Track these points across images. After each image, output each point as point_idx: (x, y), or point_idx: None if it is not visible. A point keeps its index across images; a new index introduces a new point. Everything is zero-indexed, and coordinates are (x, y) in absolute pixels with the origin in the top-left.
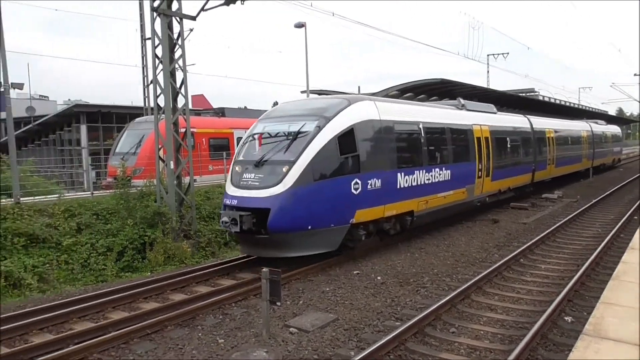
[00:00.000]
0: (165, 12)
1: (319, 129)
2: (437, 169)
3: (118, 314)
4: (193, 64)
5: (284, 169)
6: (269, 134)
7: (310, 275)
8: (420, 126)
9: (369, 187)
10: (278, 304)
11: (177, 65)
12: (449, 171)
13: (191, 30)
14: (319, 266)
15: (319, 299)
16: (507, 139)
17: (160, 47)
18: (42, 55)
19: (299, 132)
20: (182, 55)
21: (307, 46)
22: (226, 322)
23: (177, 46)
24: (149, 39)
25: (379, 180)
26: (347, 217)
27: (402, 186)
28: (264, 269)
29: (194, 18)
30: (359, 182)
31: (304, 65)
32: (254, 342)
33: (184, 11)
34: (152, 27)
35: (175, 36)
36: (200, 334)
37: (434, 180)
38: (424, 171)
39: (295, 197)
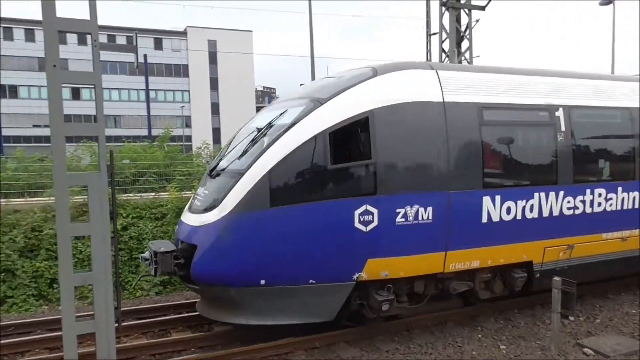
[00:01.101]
0: (454, 5)
1: (298, 119)
2: (599, 190)
3: None
4: (478, 56)
5: (232, 184)
6: (253, 128)
7: (610, 293)
8: (559, 113)
9: (399, 219)
10: (570, 318)
11: (463, 58)
12: (636, 194)
13: (477, 21)
14: (622, 283)
15: (622, 320)
16: None
17: (447, 41)
18: (335, 58)
19: (269, 126)
20: (469, 48)
21: (614, 26)
22: (508, 329)
23: (464, 39)
24: (434, 34)
25: (429, 208)
26: (346, 270)
27: (495, 219)
28: (555, 278)
29: (483, 8)
30: (374, 210)
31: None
32: (540, 355)
33: (472, 2)
34: (440, 21)
35: (462, 29)
36: (480, 336)
37: (589, 210)
38: (562, 194)
39: (237, 229)
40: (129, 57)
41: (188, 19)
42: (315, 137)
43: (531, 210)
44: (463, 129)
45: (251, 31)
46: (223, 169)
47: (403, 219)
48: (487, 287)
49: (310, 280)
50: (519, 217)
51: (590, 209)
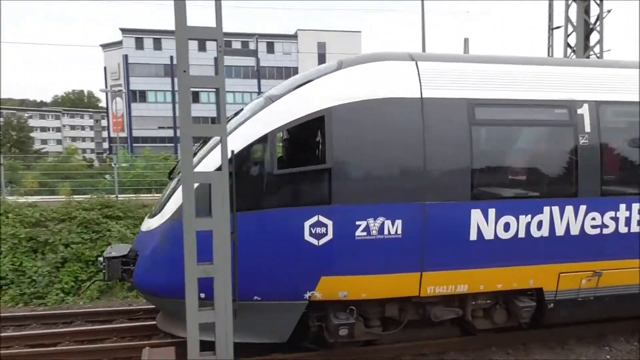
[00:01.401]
0: None
1: (246, 119)
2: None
3: None
4: (609, 50)
5: (176, 189)
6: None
7: None
8: (583, 111)
9: (360, 233)
10: None
11: (591, 53)
12: None
13: (609, 11)
14: None
15: None
16: None
17: (573, 34)
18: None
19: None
20: (600, 41)
21: None
22: None
23: (594, 31)
24: (556, 28)
25: (398, 221)
26: (296, 288)
27: (489, 237)
28: None
29: None
30: (328, 222)
31: None
32: None
33: None
34: (565, 13)
35: (592, 21)
36: (608, 357)
37: (624, 230)
38: (584, 209)
39: (172, 237)
40: (242, 61)
41: (299, 23)
42: (260, 139)
43: (539, 227)
44: (446, 130)
45: (360, 32)
46: (178, 172)
47: (364, 233)
48: (487, 316)
49: (255, 297)
50: (521, 235)
51: (626, 228)
